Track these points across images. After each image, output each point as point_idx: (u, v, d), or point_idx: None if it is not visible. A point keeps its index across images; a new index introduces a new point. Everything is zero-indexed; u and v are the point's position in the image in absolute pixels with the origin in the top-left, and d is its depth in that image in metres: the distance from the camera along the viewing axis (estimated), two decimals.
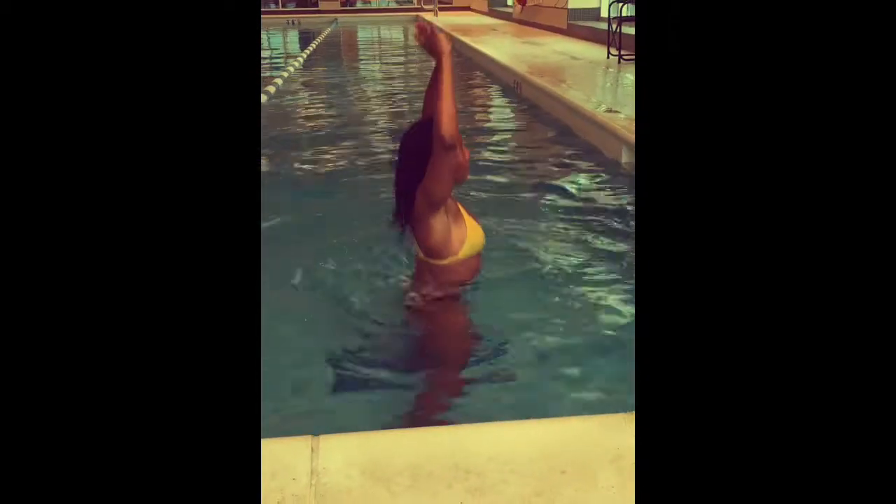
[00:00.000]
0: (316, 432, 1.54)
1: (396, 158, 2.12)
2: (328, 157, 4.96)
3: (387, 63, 11.24)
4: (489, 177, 4.24)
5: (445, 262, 2.10)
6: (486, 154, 4.90)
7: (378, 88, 8.58)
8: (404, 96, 7.73)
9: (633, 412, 1.59)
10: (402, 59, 11.84)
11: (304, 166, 4.75)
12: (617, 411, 1.63)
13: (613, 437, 1.52)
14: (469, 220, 2.16)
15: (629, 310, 2.52)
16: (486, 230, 2.90)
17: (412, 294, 2.22)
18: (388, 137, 5.21)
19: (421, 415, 2.04)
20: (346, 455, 1.47)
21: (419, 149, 1.98)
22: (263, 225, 3.37)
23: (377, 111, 7.13)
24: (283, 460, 1.45)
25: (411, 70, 10.23)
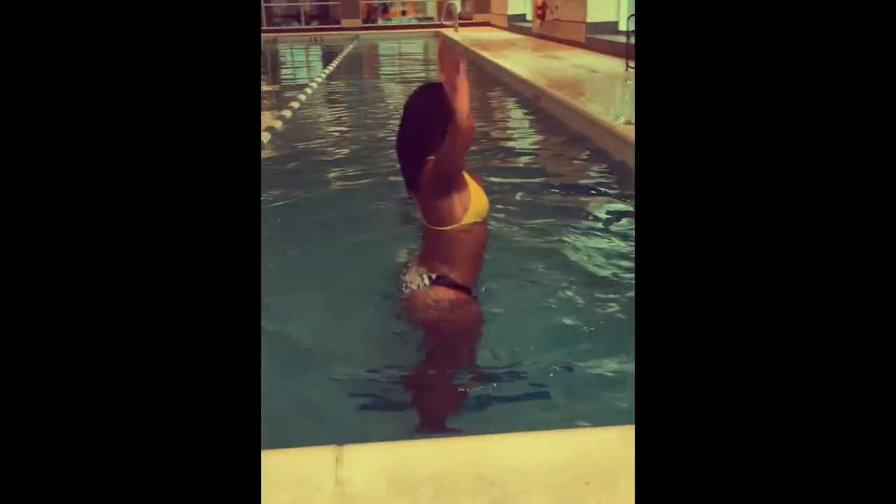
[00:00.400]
0: (340, 442, 1.56)
1: (400, 123, 2.13)
2: (348, 166, 5.01)
3: (406, 78, 11.33)
4: (509, 186, 4.25)
5: (449, 228, 2.10)
6: (506, 165, 4.91)
7: (398, 101, 8.69)
8: None
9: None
10: (422, 72, 11.97)
11: (327, 175, 4.81)
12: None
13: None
14: (473, 186, 2.12)
15: None
16: (507, 239, 2.90)
17: (420, 269, 2.20)
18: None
19: (435, 416, 2.04)
20: (371, 465, 1.48)
21: (425, 112, 2.02)
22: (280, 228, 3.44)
23: (394, 123, 7.18)
24: (307, 470, 1.47)
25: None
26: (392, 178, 4.44)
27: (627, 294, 2.71)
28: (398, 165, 2.19)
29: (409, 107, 2.13)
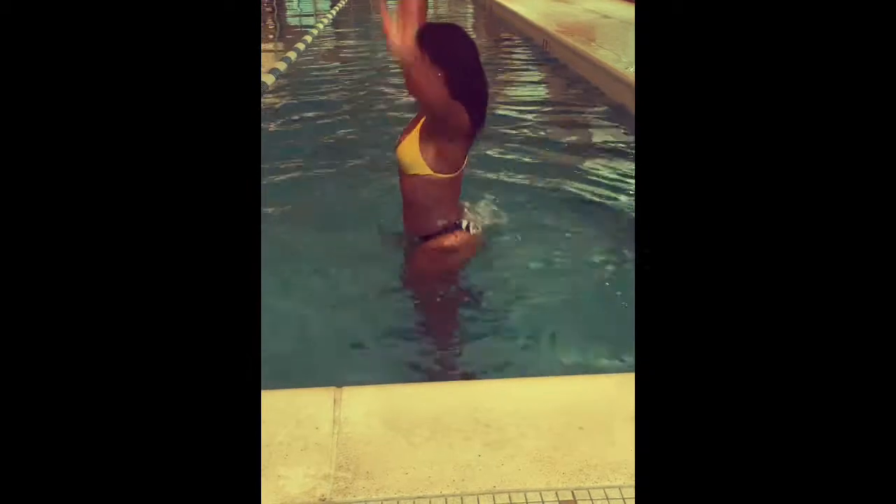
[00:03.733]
0: (339, 384, 1.57)
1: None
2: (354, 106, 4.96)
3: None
4: (513, 136, 4.19)
5: (447, 177, 2.05)
6: (512, 113, 4.83)
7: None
8: None
9: None
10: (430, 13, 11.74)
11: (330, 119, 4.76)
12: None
13: (631, 395, 1.52)
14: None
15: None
16: (509, 187, 2.87)
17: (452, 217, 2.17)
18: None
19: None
20: (368, 406, 1.50)
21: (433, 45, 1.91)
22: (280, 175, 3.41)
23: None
24: (307, 410, 1.49)
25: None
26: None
27: (618, 246, 2.71)
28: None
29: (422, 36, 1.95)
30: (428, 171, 2.02)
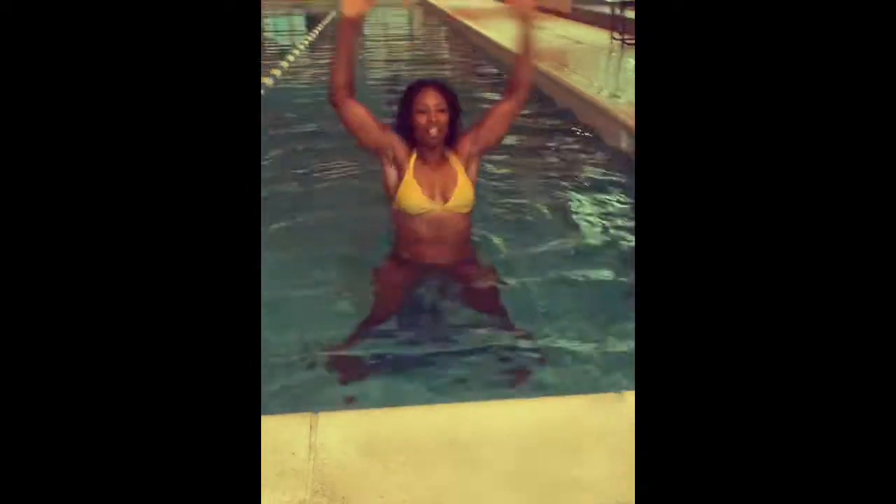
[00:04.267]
0: (315, 410, 1.59)
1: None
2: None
3: (391, 42, 11.27)
4: (487, 159, 4.25)
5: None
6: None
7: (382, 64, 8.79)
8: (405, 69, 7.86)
9: (622, 392, 1.64)
10: (407, 38, 11.91)
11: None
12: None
13: (601, 416, 1.57)
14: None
15: (614, 288, 2.58)
16: (485, 210, 2.96)
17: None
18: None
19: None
20: (344, 432, 1.52)
21: None
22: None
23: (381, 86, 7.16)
24: (283, 436, 1.51)
25: (416, 44, 10.45)
26: None
27: (595, 265, 2.76)
28: None
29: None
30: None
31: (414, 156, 2.33)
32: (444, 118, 2.27)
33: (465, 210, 2.38)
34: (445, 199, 2.33)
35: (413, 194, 2.32)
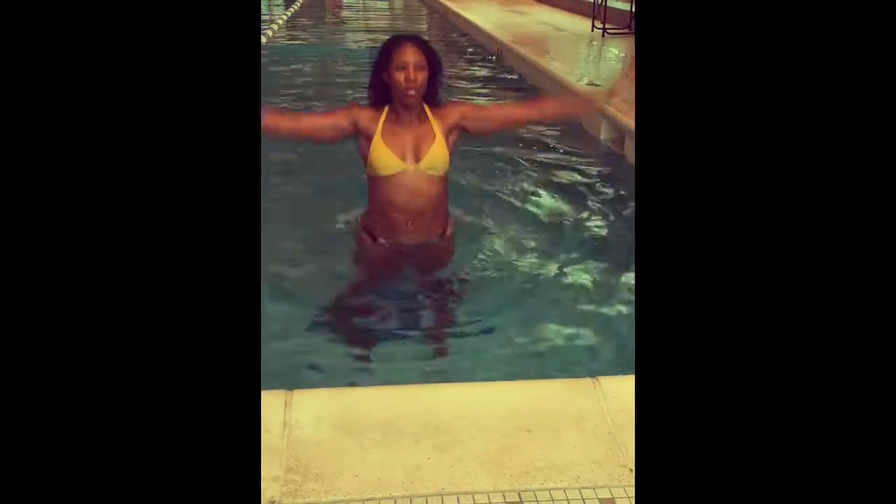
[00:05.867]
0: (289, 387, 1.57)
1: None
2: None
3: (369, 22, 11.16)
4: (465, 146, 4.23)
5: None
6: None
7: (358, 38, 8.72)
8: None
9: (598, 378, 1.64)
10: (386, 18, 11.80)
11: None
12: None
13: (577, 400, 1.57)
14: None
15: (594, 277, 2.59)
16: (465, 194, 2.93)
17: None
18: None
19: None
20: (319, 409, 1.50)
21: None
22: None
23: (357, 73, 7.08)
24: None
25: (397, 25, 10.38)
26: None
27: (580, 257, 2.77)
28: None
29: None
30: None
31: (384, 115, 2.22)
32: (422, 76, 2.15)
33: (440, 173, 2.26)
34: (418, 159, 2.21)
35: (381, 155, 2.20)
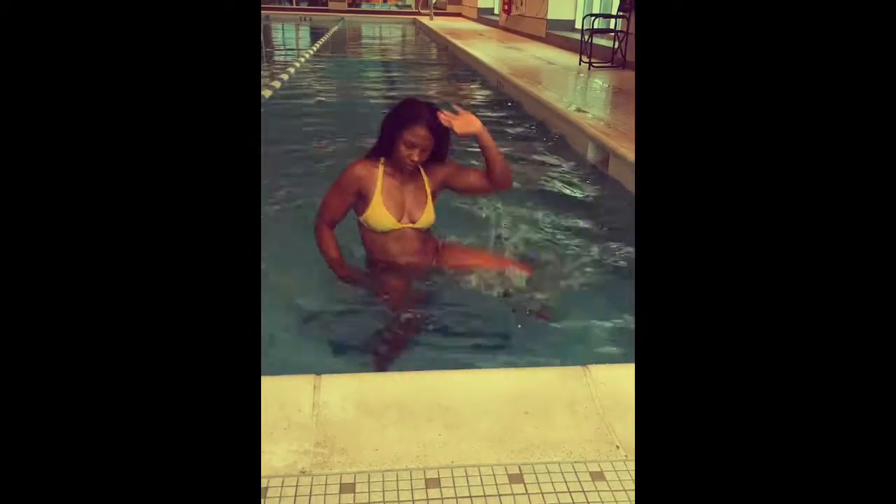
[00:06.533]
0: (318, 372, 1.58)
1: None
2: (332, 138, 4.92)
3: (385, 54, 11.16)
4: (473, 162, 4.23)
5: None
6: (470, 145, 4.85)
7: (377, 75, 8.67)
8: (400, 80, 7.80)
9: (588, 366, 1.64)
10: (399, 51, 11.80)
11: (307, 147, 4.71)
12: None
13: (570, 386, 1.57)
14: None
15: (592, 280, 2.57)
16: (463, 209, 2.89)
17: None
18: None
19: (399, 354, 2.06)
20: (343, 392, 1.51)
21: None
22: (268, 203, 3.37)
23: (376, 96, 7.08)
24: (289, 395, 1.49)
25: (409, 60, 10.36)
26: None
27: (570, 260, 2.76)
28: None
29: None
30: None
31: (381, 170, 2.11)
32: (428, 150, 2.05)
33: (429, 227, 2.21)
34: (413, 220, 2.14)
35: (381, 218, 2.10)
